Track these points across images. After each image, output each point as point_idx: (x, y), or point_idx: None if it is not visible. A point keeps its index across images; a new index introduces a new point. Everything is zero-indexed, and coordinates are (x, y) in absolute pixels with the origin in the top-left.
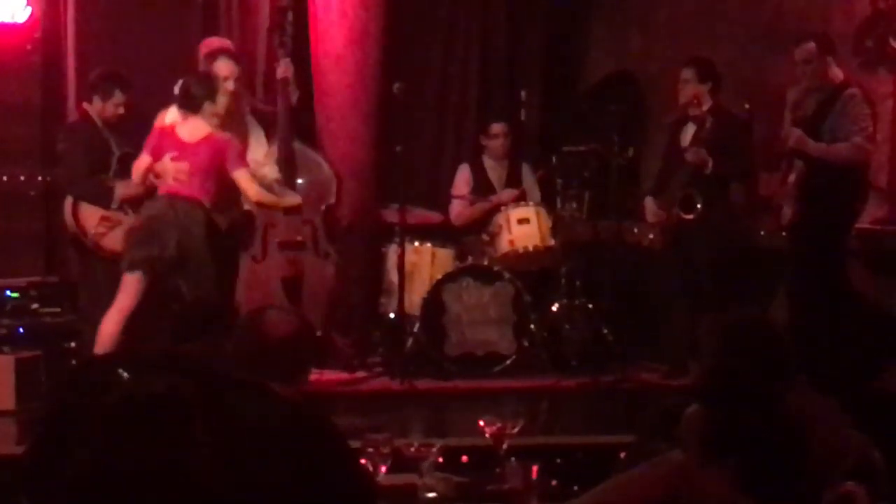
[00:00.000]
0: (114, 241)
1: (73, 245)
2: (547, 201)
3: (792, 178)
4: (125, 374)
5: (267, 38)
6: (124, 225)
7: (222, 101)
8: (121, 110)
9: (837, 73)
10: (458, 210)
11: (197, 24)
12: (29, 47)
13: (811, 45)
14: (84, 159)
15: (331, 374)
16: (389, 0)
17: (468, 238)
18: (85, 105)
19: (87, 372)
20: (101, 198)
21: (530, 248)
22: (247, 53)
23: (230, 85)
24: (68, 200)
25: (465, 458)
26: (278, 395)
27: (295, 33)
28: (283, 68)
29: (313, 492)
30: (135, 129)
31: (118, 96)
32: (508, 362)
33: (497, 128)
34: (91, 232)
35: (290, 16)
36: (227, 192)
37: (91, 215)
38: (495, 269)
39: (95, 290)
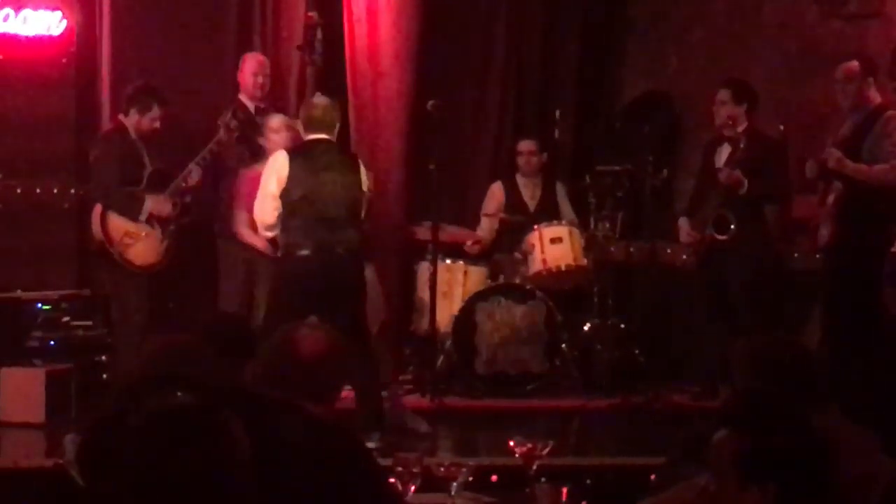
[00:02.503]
0: (138, 253)
1: (101, 256)
2: (580, 221)
3: (831, 199)
4: (173, 392)
5: (299, 55)
6: (150, 239)
7: None
8: (157, 124)
9: (875, 96)
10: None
11: (230, 40)
12: (64, 60)
13: (854, 63)
14: (116, 169)
15: None
16: (425, 19)
17: (501, 256)
18: (121, 117)
19: (132, 389)
20: (130, 209)
21: (563, 268)
22: (279, 69)
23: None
24: (97, 208)
25: (494, 478)
26: (313, 415)
27: (328, 51)
28: None
29: None
30: (167, 145)
31: (156, 110)
32: (539, 382)
33: (524, 145)
34: (117, 242)
35: (319, 33)
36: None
37: (118, 226)
38: (527, 287)
39: (125, 303)
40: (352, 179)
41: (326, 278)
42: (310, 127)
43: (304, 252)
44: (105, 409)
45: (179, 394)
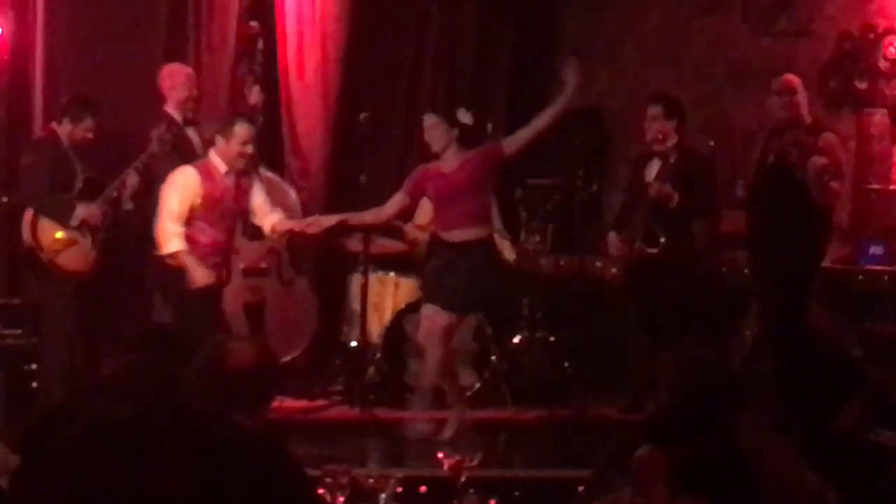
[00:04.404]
0: (69, 259)
1: (31, 263)
2: (510, 234)
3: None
4: (106, 404)
5: (234, 65)
6: (80, 246)
7: None
8: (89, 135)
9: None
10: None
11: (162, 48)
12: None
13: (794, 76)
14: (47, 175)
15: (291, 402)
16: (357, 30)
17: None
18: (53, 125)
19: (64, 402)
20: (61, 215)
21: None
22: (212, 78)
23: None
24: (28, 214)
25: (423, 489)
26: (243, 426)
27: (264, 61)
28: (255, 95)
29: None
30: (99, 154)
31: (88, 121)
32: (468, 394)
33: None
34: (47, 247)
35: (260, 43)
36: None
37: (49, 231)
38: None
39: (54, 311)
40: None
41: None
42: None
43: None
44: (36, 422)
45: (115, 406)
